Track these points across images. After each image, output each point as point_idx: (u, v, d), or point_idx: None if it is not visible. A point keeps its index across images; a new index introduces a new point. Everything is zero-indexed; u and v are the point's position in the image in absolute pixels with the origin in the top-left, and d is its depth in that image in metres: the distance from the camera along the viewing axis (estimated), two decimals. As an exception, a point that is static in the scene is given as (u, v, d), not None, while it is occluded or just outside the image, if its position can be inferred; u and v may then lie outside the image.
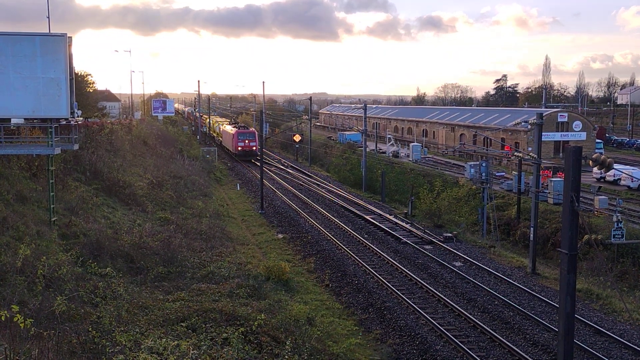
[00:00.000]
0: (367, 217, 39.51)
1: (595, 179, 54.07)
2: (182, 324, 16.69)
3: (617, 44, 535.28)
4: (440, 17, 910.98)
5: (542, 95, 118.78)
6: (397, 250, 31.82)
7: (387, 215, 40.40)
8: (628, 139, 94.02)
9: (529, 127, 60.65)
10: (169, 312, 17.54)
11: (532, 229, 29.24)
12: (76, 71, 33.50)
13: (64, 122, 26.58)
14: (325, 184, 54.68)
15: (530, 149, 55.43)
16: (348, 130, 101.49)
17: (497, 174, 55.34)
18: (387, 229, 36.23)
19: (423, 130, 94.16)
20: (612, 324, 22.06)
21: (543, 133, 31.77)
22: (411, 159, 71.76)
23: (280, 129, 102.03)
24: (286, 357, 15.30)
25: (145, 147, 54.27)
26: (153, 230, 27.85)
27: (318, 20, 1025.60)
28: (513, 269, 29.06)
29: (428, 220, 38.82)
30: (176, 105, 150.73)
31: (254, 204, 45.48)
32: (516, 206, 43.71)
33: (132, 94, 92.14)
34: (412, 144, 77.48)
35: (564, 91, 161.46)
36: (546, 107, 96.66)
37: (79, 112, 28.47)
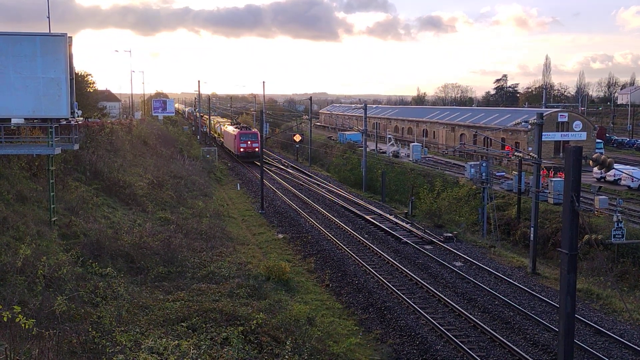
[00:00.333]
0: (368, 217, 39.51)
1: (595, 179, 54.05)
2: (182, 323, 16.70)
3: (617, 44, 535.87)
4: (440, 17, 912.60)
5: (543, 95, 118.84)
6: (397, 250, 31.82)
7: (388, 215, 40.41)
8: (628, 139, 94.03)
9: (529, 127, 60.67)
10: (169, 312, 17.56)
11: (532, 228, 29.23)
12: (76, 71, 33.54)
13: (64, 122, 26.60)
14: (325, 184, 54.68)
15: (530, 148, 55.45)
16: (348, 130, 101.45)
17: (497, 174, 55.33)
18: (387, 228, 36.23)
19: (423, 130, 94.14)
20: (613, 324, 22.05)
21: (543, 133, 31.75)
22: (411, 159, 71.75)
23: (280, 129, 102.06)
24: (286, 357, 15.31)
25: (146, 147, 54.26)
26: (153, 230, 27.86)
27: (318, 20, 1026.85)
28: (513, 269, 29.06)
29: (428, 220, 38.82)
30: (176, 105, 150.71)
31: (254, 204, 45.49)
32: (516, 206, 43.70)
33: (132, 94, 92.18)
34: (413, 144, 77.47)
35: (564, 91, 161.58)
36: (546, 107, 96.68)
37: (79, 112, 28.50)
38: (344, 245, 32.37)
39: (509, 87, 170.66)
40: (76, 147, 27.20)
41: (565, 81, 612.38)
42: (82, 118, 38.93)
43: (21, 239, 20.65)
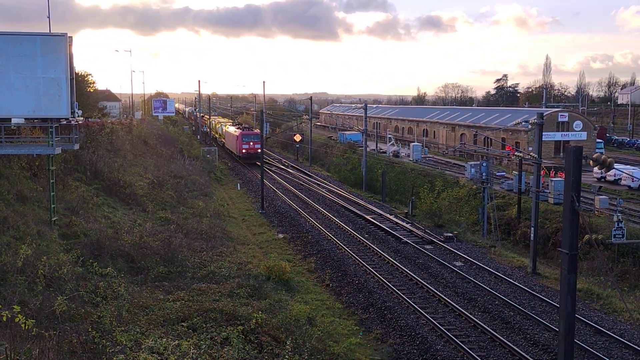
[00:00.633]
0: (368, 217, 39.51)
1: (595, 179, 54.00)
2: (182, 323, 16.72)
3: (617, 43, 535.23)
4: (440, 17, 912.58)
5: (543, 95, 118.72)
6: (397, 250, 31.82)
7: (388, 215, 40.41)
8: (628, 139, 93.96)
9: (530, 126, 60.70)
10: (170, 311, 17.56)
11: (532, 228, 29.23)
12: (76, 71, 33.55)
13: (65, 122, 26.60)
14: (325, 183, 54.68)
15: (530, 148, 55.43)
16: (348, 130, 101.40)
17: (497, 174, 55.32)
18: (387, 228, 36.22)
19: (423, 130, 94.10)
20: (613, 323, 22.05)
21: (543, 133, 31.71)
22: (412, 159, 71.71)
23: (280, 129, 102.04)
24: (286, 356, 15.31)
25: (146, 147, 54.27)
26: (153, 230, 27.87)
27: (318, 20, 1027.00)
28: (513, 269, 29.06)
29: (428, 220, 38.81)
30: (176, 105, 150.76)
31: (254, 204, 45.49)
32: (517, 206, 43.69)
33: (132, 94, 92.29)
34: (413, 143, 77.42)
35: (565, 91, 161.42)
36: (547, 107, 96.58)
37: (80, 112, 28.49)
38: (344, 245, 32.36)
39: (509, 87, 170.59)
40: (76, 147, 27.20)
41: (565, 81, 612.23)
42: (82, 118, 38.91)
43: (21, 238, 20.66)
